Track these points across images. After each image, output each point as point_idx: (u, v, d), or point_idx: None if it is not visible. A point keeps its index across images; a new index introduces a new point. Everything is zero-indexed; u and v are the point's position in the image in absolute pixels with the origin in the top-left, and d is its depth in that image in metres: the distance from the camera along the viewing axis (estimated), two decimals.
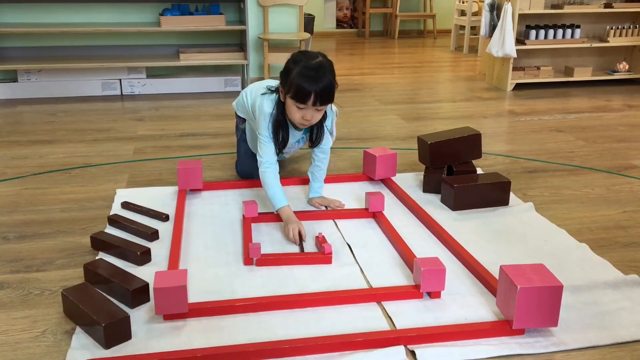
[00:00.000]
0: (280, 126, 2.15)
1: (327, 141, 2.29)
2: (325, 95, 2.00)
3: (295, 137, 2.28)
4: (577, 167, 2.76)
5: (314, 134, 2.23)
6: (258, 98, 2.20)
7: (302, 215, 2.16)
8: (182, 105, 3.88)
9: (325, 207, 2.24)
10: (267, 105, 2.13)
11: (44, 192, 2.41)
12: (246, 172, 2.50)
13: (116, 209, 2.21)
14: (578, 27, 4.40)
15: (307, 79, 1.96)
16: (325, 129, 2.24)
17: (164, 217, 2.13)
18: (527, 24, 4.39)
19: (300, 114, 2.04)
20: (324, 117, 2.18)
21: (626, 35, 4.48)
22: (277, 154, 2.21)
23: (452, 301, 1.65)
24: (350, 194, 2.37)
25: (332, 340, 1.45)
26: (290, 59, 2.05)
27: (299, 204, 2.29)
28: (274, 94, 2.14)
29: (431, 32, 7.63)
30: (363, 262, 1.86)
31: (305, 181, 2.40)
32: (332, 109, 2.22)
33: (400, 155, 2.79)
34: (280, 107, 2.12)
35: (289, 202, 2.21)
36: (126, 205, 2.22)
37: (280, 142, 2.18)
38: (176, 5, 4.15)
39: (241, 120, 2.52)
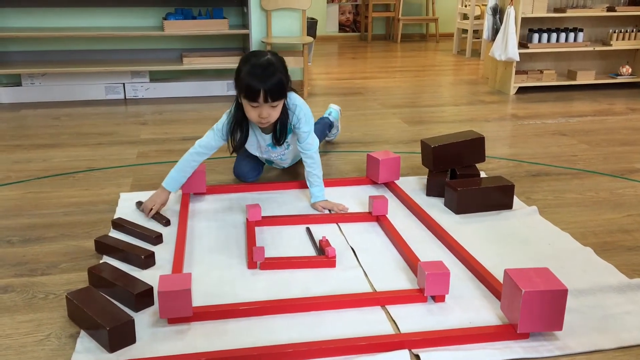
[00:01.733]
0: (238, 125, 2.23)
1: (309, 147, 2.30)
2: (275, 92, 2.05)
3: (266, 141, 2.33)
4: (581, 170, 2.76)
5: (277, 133, 2.27)
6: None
7: (305, 218, 2.16)
8: (185, 109, 3.89)
9: (329, 210, 2.24)
10: (232, 106, 2.24)
11: (47, 195, 2.42)
12: (241, 173, 2.52)
13: (120, 213, 2.21)
14: (581, 30, 4.40)
15: (255, 77, 2.03)
16: (301, 132, 2.26)
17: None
18: (530, 28, 4.40)
19: (256, 112, 2.10)
20: (286, 115, 2.22)
21: (629, 39, 4.48)
22: (234, 151, 2.32)
23: (457, 305, 1.65)
24: (354, 198, 2.37)
25: (335, 344, 1.45)
26: (240, 60, 2.14)
27: (302, 207, 2.29)
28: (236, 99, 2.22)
29: (434, 35, 7.64)
30: (367, 266, 1.86)
31: (301, 185, 2.41)
32: (296, 105, 2.25)
33: (404, 158, 2.79)
34: (239, 108, 2.20)
35: (292, 204, 2.24)
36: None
37: (238, 141, 2.27)
38: (179, 10, 4.16)
39: None
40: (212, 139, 2.25)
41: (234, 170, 2.56)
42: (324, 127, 2.89)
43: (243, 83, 2.06)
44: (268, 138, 2.32)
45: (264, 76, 2.03)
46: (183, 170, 2.24)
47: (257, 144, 2.36)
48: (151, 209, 2.16)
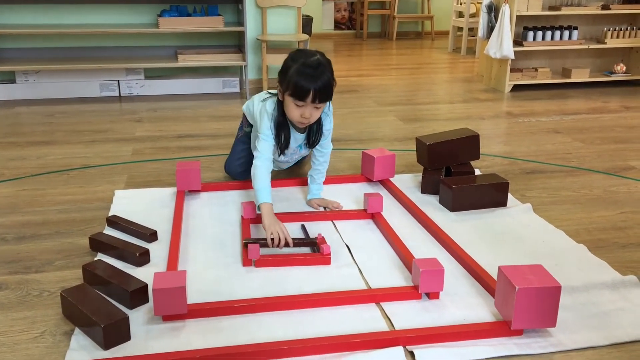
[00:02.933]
0: (282, 126, 2.16)
1: (328, 146, 2.29)
2: (324, 93, 2.01)
3: (297, 141, 2.28)
4: (575, 168, 2.77)
5: (312, 134, 2.23)
6: (260, 104, 2.21)
7: (300, 216, 2.16)
8: (180, 106, 3.88)
9: (324, 208, 2.24)
10: (269, 106, 2.14)
11: (42, 193, 2.41)
12: (233, 171, 2.51)
13: (115, 210, 2.21)
14: (575, 28, 4.41)
15: (306, 77, 1.97)
16: (324, 130, 2.24)
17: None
18: (525, 26, 4.41)
19: (299, 112, 2.04)
20: (321, 119, 2.19)
21: (623, 37, 4.49)
22: (279, 155, 2.22)
23: (451, 302, 1.65)
24: (349, 195, 2.37)
25: (330, 341, 1.45)
26: (289, 57, 2.06)
27: (297, 204, 2.29)
28: (275, 97, 2.16)
29: (429, 33, 7.65)
30: (362, 263, 1.86)
31: (304, 182, 2.41)
32: (329, 107, 2.23)
33: (399, 156, 2.79)
34: (280, 108, 2.13)
35: (287, 202, 2.22)
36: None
37: (283, 142, 2.19)
38: (174, 7, 4.15)
39: (247, 123, 2.51)
40: (269, 145, 2.12)
41: (226, 168, 2.55)
42: None
43: (292, 81, 1.98)
44: (300, 138, 2.26)
45: (314, 76, 1.97)
46: (265, 181, 2.06)
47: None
48: (282, 240, 1.88)
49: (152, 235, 1.98)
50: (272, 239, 1.87)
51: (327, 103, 2.19)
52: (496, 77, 4.52)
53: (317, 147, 2.28)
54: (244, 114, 2.50)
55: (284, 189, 2.43)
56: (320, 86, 1.98)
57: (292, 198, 2.35)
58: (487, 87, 4.62)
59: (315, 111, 2.06)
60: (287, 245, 1.88)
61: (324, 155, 2.29)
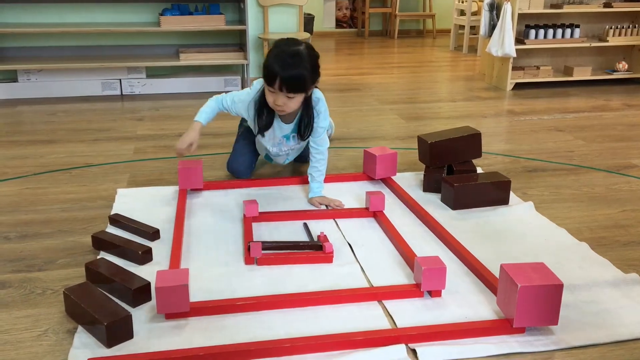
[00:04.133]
0: (265, 107, 2.22)
1: (324, 143, 2.30)
2: (292, 83, 2.03)
3: (283, 131, 2.30)
4: (577, 166, 2.77)
5: (302, 127, 2.25)
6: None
7: (303, 214, 2.17)
8: (182, 105, 3.88)
9: (326, 206, 2.25)
10: (257, 83, 2.25)
11: (44, 191, 2.42)
12: (235, 170, 2.51)
13: (117, 209, 2.21)
14: (577, 26, 4.41)
15: (277, 63, 2.02)
16: (317, 127, 2.25)
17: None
18: (527, 24, 4.40)
19: (272, 97, 2.10)
20: (311, 111, 2.20)
21: (625, 35, 4.49)
22: (259, 132, 2.30)
23: (453, 300, 1.65)
24: (351, 194, 2.38)
25: (333, 339, 1.45)
26: (274, 43, 2.12)
27: (299, 203, 2.29)
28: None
29: (430, 31, 7.64)
30: (363, 261, 1.86)
31: (305, 181, 2.41)
32: (319, 99, 2.23)
33: (400, 154, 2.79)
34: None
35: (290, 200, 2.24)
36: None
37: (264, 123, 2.25)
38: (176, 5, 4.15)
39: (244, 119, 2.52)
40: (228, 103, 2.30)
41: (229, 166, 2.55)
42: None
43: (266, 64, 2.06)
44: (286, 128, 2.29)
45: (285, 65, 2.00)
46: (211, 111, 2.28)
47: (273, 134, 2.32)
48: (190, 144, 2.17)
49: (154, 234, 1.98)
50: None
51: (323, 101, 2.21)
52: (498, 75, 4.52)
53: (312, 143, 2.29)
54: None
55: (286, 188, 2.44)
56: (288, 75, 2.01)
57: (294, 197, 2.35)
58: (488, 85, 4.62)
59: (288, 101, 2.08)
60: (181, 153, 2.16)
61: (319, 152, 2.29)
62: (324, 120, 2.26)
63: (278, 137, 2.32)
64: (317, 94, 2.24)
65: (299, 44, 2.08)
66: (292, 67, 2.01)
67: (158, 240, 1.99)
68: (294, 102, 2.10)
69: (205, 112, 2.29)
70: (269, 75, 2.04)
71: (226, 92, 2.37)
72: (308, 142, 2.33)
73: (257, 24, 4.39)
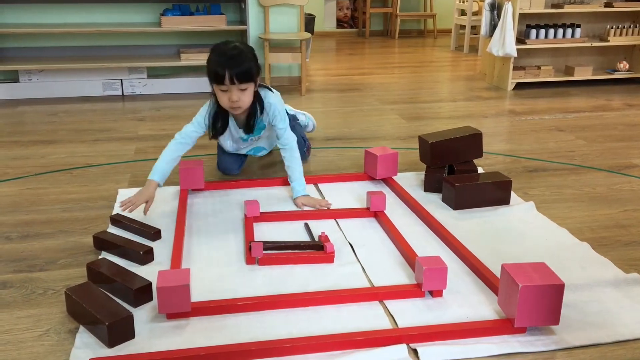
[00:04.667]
0: (220, 113, 2.29)
1: (288, 140, 2.32)
2: (241, 72, 2.11)
3: (239, 133, 2.40)
4: (578, 166, 2.77)
5: (249, 122, 2.32)
6: None
7: (304, 214, 2.17)
8: (182, 105, 3.88)
9: (311, 207, 2.24)
10: (210, 101, 2.31)
11: (45, 192, 2.42)
12: (225, 167, 2.58)
13: (118, 209, 2.21)
14: (578, 26, 4.41)
15: (220, 60, 2.11)
16: (277, 129, 2.31)
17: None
18: (528, 24, 4.40)
19: (226, 96, 2.16)
20: (261, 105, 2.27)
21: (626, 35, 4.49)
22: (214, 137, 2.38)
23: (454, 300, 1.65)
24: (352, 194, 2.38)
25: (334, 339, 1.45)
26: (211, 49, 2.21)
27: (286, 204, 2.29)
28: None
29: (431, 31, 7.64)
30: (365, 261, 1.86)
31: (307, 181, 2.40)
32: (270, 104, 2.29)
33: (401, 154, 2.79)
34: (216, 99, 2.25)
35: (291, 200, 2.24)
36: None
37: (219, 128, 2.32)
38: (177, 6, 4.16)
39: None
40: (192, 130, 2.30)
41: (218, 166, 2.59)
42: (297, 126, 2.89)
43: (210, 68, 2.14)
44: (241, 131, 2.39)
45: (228, 58, 2.10)
46: (167, 162, 2.23)
47: (231, 137, 2.42)
48: (132, 204, 2.07)
49: (155, 234, 1.99)
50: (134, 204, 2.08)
51: (274, 104, 2.27)
52: (499, 75, 4.51)
53: (278, 144, 2.35)
54: None
55: (287, 188, 2.44)
56: (235, 65, 2.10)
57: (281, 199, 2.34)
58: (489, 85, 4.62)
59: (241, 94, 2.15)
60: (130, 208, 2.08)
61: (288, 149, 2.32)
62: (281, 122, 2.32)
63: (236, 137, 2.42)
64: (269, 98, 2.30)
65: (233, 42, 2.19)
66: (236, 57, 2.11)
67: (159, 240, 1.99)
68: (247, 95, 2.17)
69: (158, 167, 2.21)
70: (217, 73, 2.11)
71: None
72: (275, 132, 2.36)
73: (258, 24, 4.39)
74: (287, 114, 2.41)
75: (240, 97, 2.15)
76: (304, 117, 3.03)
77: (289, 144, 2.32)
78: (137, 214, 2.14)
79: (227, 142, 2.47)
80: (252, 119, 2.32)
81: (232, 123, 2.37)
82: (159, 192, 2.37)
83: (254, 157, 2.71)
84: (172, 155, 2.25)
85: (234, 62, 2.10)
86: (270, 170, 2.67)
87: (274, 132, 2.38)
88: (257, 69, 2.18)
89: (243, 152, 2.56)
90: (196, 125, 2.30)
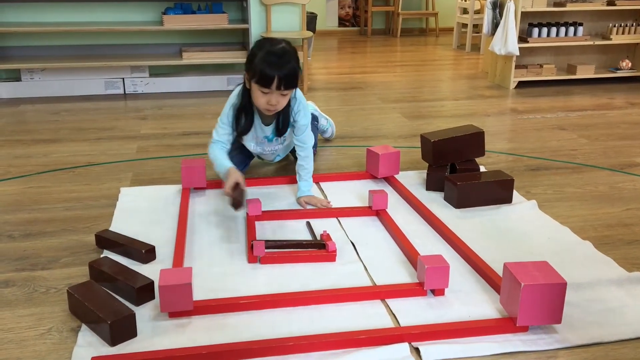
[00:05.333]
0: (244, 111, 2.22)
1: (308, 140, 2.30)
2: (289, 80, 2.05)
3: (265, 132, 2.32)
4: (580, 164, 2.76)
5: (280, 123, 2.27)
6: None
7: (306, 213, 2.17)
8: (184, 104, 3.88)
9: (313, 206, 2.24)
10: (232, 96, 2.23)
11: (48, 190, 2.42)
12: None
13: (120, 208, 2.22)
14: (581, 24, 4.40)
15: (271, 64, 2.02)
16: (299, 125, 2.26)
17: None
18: (530, 22, 4.39)
19: (265, 98, 2.09)
20: (288, 107, 2.22)
21: (629, 33, 4.48)
22: (234, 139, 2.30)
23: (456, 299, 1.65)
24: (354, 192, 2.38)
25: (336, 338, 1.45)
26: (255, 45, 2.13)
27: (287, 203, 2.29)
28: (241, 86, 2.22)
29: (433, 30, 7.63)
30: (367, 260, 1.86)
31: (294, 180, 2.41)
32: (296, 98, 2.24)
33: (403, 153, 2.79)
34: (245, 94, 2.19)
35: (292, 199, 2.24)
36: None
37: (242, 127, 2.25)
38: (179, 4, 4.16)
39: None
40: (224, 130, 2.25)
41: None
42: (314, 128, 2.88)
43: (257, 68, 2.04)
44: (268, 130, 2.32)
45: (279, 63, 2.02)
46: (223, 158, 2.19)
47: (255, 134, 2.35)
48: (237, 186, 2.02)
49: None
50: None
51: (298, 97, 2.22)
52: (501, 73, 4.51)
53: (296, 142, 2.31)
54: None
55: (289, 186, 2.44)
56: (285, 73, 2.03)
57: (283, 197, 2.34)
58: (491, 83, 4.61)
59: (281, 98, 2.10)
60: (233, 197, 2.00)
61: (304, 149, 2.30)
62: (304, 118, 2.28)
63: (260, 137, 2.35)
64: (295, 92, 2.25)
65: (280, 41, 2.12)
66: (285, 64, 2.04)
67: (161, 239, 1.98)
68: (285, 99, 2.14)
69: (222, 163, 2.18)
70: (265, 77, 2.03)
71: (229, 90, 2.37)
72: (295, 128, 2.31)
73: (259, 22, 4.39)
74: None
75: (279, 101, 2.10)
76: (325, 121, 2.98)
77: (307, 142, 2.30)
78: (139, 213, 2.13)
79: (251, 143, 2.38)
80: (284, 123, 2.26)
81: (257, 122, 2.30)
82: (160, 191, 2.37)
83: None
84: (224, 154, 2.22)
85: (284, 70, 2.03)
86: (271, 169, 2.67)
87: (291, 137, 2.34)
88: (300, 72, 2.12)
89: (268, 154, 2.48)
90: (225, 125, 2.24)
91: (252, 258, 1.84)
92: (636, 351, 1.46)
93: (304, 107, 2.27)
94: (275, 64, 2.02)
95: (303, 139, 2.29)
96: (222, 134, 2.25)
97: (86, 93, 4.13)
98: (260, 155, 2.52)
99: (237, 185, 2.01)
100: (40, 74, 4.07)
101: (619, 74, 4.56)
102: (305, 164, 2.30)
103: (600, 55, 4.69)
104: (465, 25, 6.55)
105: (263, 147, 2.41)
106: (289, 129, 2.31)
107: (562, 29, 4.37)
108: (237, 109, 2.23)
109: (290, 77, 2.05)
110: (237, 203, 2.00)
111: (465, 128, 2.52)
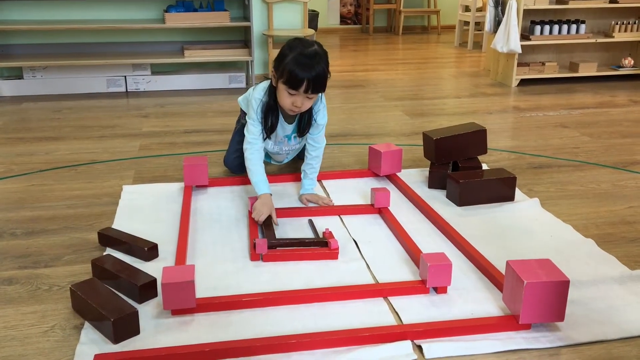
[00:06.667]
0: (271, 110, 2.20)
1: (322, 140, 2.30)
2: (318, 84, 2.03)
3: (286, 131, 2.31)
4: (583, 162, 2.76)
5: (303, 123, 2.25)
6: (251, 91, 2.28)
7: (308, 211, 2.17)
8: (186, 101, 3.89)
9: (315, 204, 2.24)
10: (258, 92, 2.20)
11: (50, 188, 2.42)
12: (230, 165, 2.53)
13: (123, 205, 2.22)
14: (583, 22, 4.39)
15: (301, 66, 1.99)
16: (318, 124, 2.25)
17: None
18: (532, 20, 4.39)
19: (291, 99, 2.07)
20: (311, 108, 2.20)
21: (631, 31, 4.47)
22: (264, 139, 2.24)
23: (459, 296, 1.65)
24: (356, 190, 2.38)
25: (338, 335, 1.45)
26: (286, 45, 2.09)
27: (289, 201, 2.29)
28: (268, 81, 2.19)
29: (435, 28, 7.62)
30: (369, 258, 1.86)
31: (297, 178, 2.41)
32: (319, 97, 2.21)
33: (405, 151, 2.79)
34: (271, 92, 2.17)
35: (294, 197, 2.23)
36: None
37: (269, 126, 2.22)
38: (180, 2, 4.16)
39: (244, 116, 2.51)
40: (257, 129, 2.19)
41: (225, 161, 2.57)
42: None
43: (287, 69, 2.00)
44: (289, 128, 2.30)
45: (309, 66, 1.99)
46: (259, 173, 2.14)
47: (276, 133, 2.31)
48: (259, 215, 2.01)
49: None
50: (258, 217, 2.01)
51: (320, 96, 2.20)
52: (503, 71, 4.50)
53: (309, 141, 2.30)
54: (240, 108, 2.52)
55: (291, 184, 2.44)
56: (314, 76, 2.00)
57: (284, 195, 2.34)
58: (494, 81, 4.60)
59: (307, 101, 2.09)
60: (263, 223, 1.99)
61: (316, 149, 2.30)
62: (323, 118, 2.27)
63: (281, 136, 2.33)
64: None
65: (312, 43, 2.07)
66: (315, 68, 2.00)
67: (164, 236, 1.98)
68: (311, 102, 2.11)
69: (259, 181, 2.12)
70: (294, 79, 2.00)
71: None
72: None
73: (261, 20, 4.39)
74: None
75: (304, 103, 2.08)
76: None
77: (321, 142, 2.30)
78: (141, 210, 2.14)
79: (270, 141, 2.35)
80: (307, 124, 2.24)
81: (280, 120, 2.27)
82: (163, 189, 2.38)
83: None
84: (260, 162, 2.17)
85: (313, 70, 1.99)
86: (274, 167, 2.67)
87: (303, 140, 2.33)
88: (329, 75, 2.09)
89: (282, 155, 2.46)
90: (257, 123, 2.19)
91: (254, 256, 1.84)
92: (639, 349, 1.46)
93: (324, 106, 2.26)
94: (306, 67, 1.99)
95: (318, 138, 2.29)
96: (256, 133, 2.19)
97: (88, 91, 4.13)
98: (276, 154, 2.49)
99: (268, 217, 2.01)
100: (43, 72, 4.07)
101: (622, 71, 4.55)
102: (315, 164, 2.30)
103: (602, 53, 4.68)
104: (467, 23, 6.55)
105: (281, 147, 2.40)
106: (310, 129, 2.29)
107: (565, 27, 4.36)
108: (264, 108, 2.19)
109: (319, 82, 2.03)
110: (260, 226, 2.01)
111: (467, 126, 2.52)
